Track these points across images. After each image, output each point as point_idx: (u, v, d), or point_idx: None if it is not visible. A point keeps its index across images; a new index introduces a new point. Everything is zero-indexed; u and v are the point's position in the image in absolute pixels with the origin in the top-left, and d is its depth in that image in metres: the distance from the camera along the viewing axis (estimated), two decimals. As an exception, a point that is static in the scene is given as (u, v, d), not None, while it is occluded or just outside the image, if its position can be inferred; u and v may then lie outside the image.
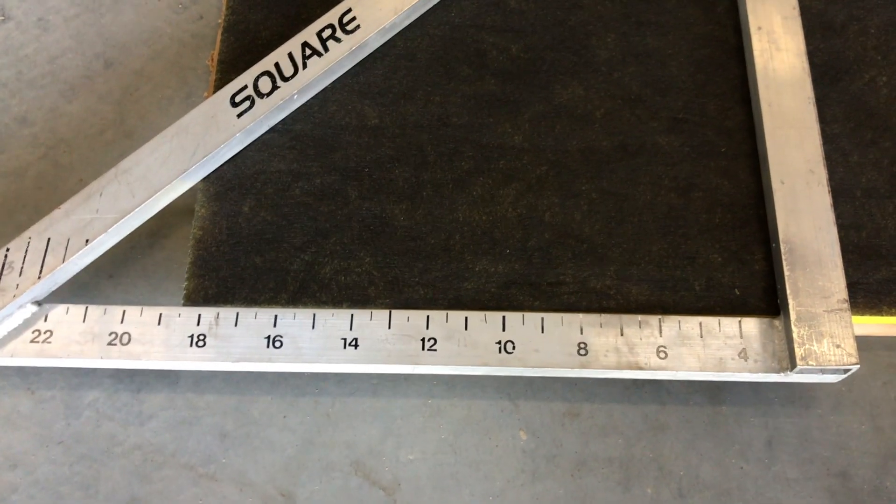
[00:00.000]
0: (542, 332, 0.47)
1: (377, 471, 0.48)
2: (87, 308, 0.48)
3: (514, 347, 0.47)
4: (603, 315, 0.48)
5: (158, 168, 0.50)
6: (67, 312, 0.48)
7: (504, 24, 0.57)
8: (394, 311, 0.48)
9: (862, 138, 0.54)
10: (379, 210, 0.51)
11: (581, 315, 0.48)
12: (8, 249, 0.48)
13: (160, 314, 0.48)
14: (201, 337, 0.47)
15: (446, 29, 0.57)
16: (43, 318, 0.48)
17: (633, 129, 0.54)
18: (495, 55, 0.56)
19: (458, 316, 0.48)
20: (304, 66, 0.53)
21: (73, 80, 0.59)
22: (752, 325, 0.48)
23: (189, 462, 0.48)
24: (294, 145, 0.53)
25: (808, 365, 0.46)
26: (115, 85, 0.59)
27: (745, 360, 0.47)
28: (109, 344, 0.47)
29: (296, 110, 0.54)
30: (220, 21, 0.59)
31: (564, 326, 0.48)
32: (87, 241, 0.48)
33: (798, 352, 0.46)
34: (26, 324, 0.48)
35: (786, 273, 0.48)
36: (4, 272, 0.47)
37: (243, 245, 0.50)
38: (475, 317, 0.48)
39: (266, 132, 0.53)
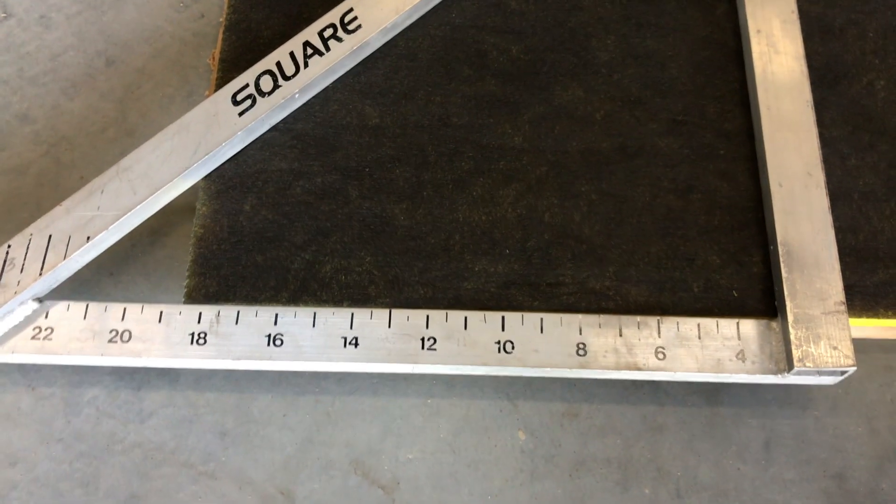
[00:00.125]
0: (542, 332, 0.48)
1: (376, 470, 0.49)
2: (87, 305, 0.48)
3: (513, 347, 0.47)
4: (602, 316, 0.48)
5: (160, 166, 0.50)
6: (68, 309, 0.48)
7: (505, 26, 0.57)
8: (394, 311, 0.48)
9: (860, 142, 0.54)
10: (379, 209, 0.51)
11: (580, 315, 0.48)
12: (9, 246, 0.48)
13: (161, 312, 0.48)
14: (202, 335, 0.47)
15: (447, 29, 0.57)
16: (44, 315, 0.48)
17: (633, 131, 0.54)
18: (496, 56, 0.56)
19: (457, 315, 0.48)
20: (306, 65, 0.53)
21: (75, 78, 0.59)
22: (749, 327, 0.48)
23: (189, 460, 0.49)
24: (295, 144, 0.53)
25: (805, 367, 0.46)
26: (116, 83, 0.59)
27: (743, 362, 0.47)
28: (110, 341, 0.47)
29: (297, 109, 0.54)
30: (221, 20, 0.59)
31: (563, 327, 0.48)
32: (88, 238, 0.48)
33: (795, 353, 0.46)
34: (27, 320, 0.48)
35: (783, 275, 0.48)
36: (6, 269, 0.48)
37: (244, 243, 0.50)
38: (475, 316, 0.48)
39: (267, 131, 0.53)
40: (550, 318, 0.48)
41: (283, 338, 0.47)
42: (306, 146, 0.53)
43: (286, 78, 0.53)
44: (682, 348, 0.47)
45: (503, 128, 0.54)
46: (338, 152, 0.53)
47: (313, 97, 0.54)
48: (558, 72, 0.56)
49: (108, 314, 0.48)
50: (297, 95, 0.53)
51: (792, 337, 0.47)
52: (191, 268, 0.50)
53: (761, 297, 0.49)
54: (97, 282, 0.53)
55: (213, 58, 0.58)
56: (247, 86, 0.52)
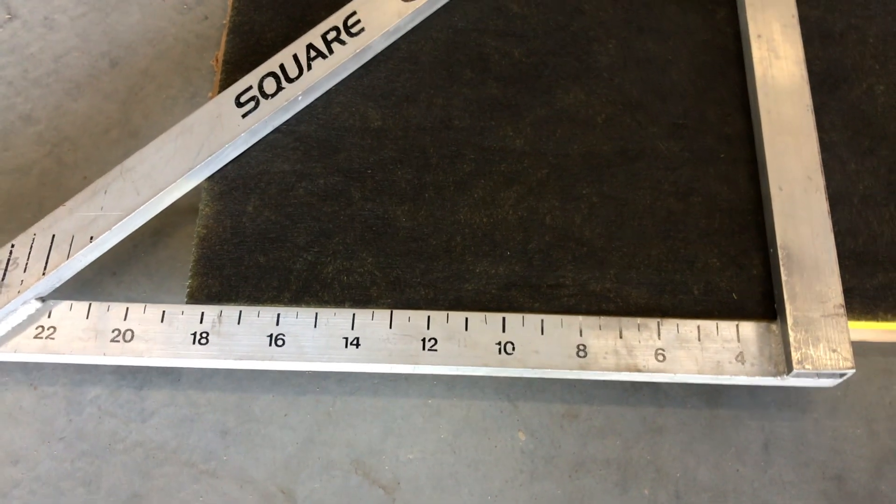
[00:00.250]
0: (542, 333, 0.48)
1: (377, 470, 0.49)
2: (90, 305, 0.48)
3: (513, 348, 0.48)
4: (602, 317, 0.49)
5: (163, 167, 0.50)
6: (71, 309, 0.48)
7: (507, 29, 0.57)
8: (395, 311, 0.48)
9: (859, 146, 0.54)
10: (381, 211, 0.52)
11: (580, 317, 0.49)
12: (13, 246, 0.49)
13: (163, 311, 0.48)
14: (204, 335, 0.48)
15: (449, 33, 0.57)
16: (46, 315, 0.48)
17: (634, 134, 0.54)
18: (498, 59, 0.56)
19: (458, 317, 0.48)
20: (309, 67, 0.53)
21: (79, 79, 0.60)
22: (749, 329, 0.48)
23: (190, 459, 0.49)
24: (298, 146, 0.53)
25: (804, 369, 0.46)
26: (120, 84, 0.60)
27: (743, 364, 0.47)
28: (112, 341, 0.47)
29: (300, 111, 0.54)
30: (224, 22, 0.60)
31: (564, 328, 0.48)
32: (91, 238, 0.49)
33: (795, 356, 0.46)
34: (30, 320, 0.48)
35: (783, 278, 0.48)
36: (9, 268, 0.48)
37: (247, 244, 0.50)
38: (475, 318, 0.48)
39: (270, 133, 0.54)
40: (551, 320, 0.48)
41: (284, 338, 0.48)
42: (309, 148, 0.53)
43: (289, 80, 0.53)
44: (681, 350, 0.48)
45: (505, 130, 0.54)
46: (340, 154, 0.53)
47: (316, 99, 0.55)
48: (560, 75, 0.56)
49: (111, 314, 0.48)
50: (300, 97, 0.53)
51: (791, 339, 0.47)
52: (193, 268, 0.50)
53: (761, 300, 0.50)
54: (100, 281, 0.53)
55: (217, 60, 0.58)
56: (250, 88, 0.53)
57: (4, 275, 0.48)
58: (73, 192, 0.50)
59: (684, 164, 0.53)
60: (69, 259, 0.48)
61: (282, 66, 0.53)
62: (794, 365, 0.46)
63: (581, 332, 0.48)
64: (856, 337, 0.50)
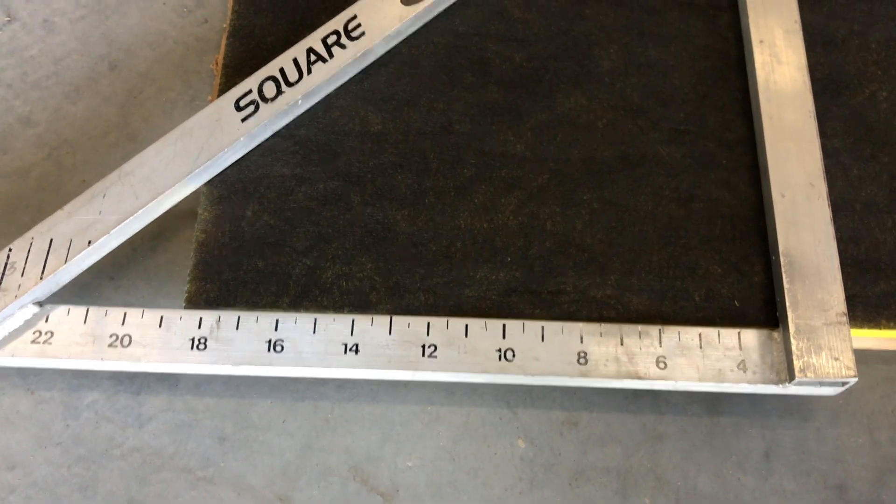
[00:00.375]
0: (543, 340, 0.48)
1: (375, 477, 0.48)
2: (88, 309, 0.48)
3: (514, 355, 0.47)
4: (603, 324, 0.48)
5: (162, 170, 0.50)
6: (68, 313, 0.48)
7: (507, 34, 0.57)
8: (395, 317, 0.48)
9: (862, 153, 0.54)
10: (381, 216, 0.51)
11: (581, 324, 0.48)
12: (10, 250, 0.48)
13: (161, 317, 0.48)
14: (202, 340, 0.47)
15: (450, 37, 0.57)
16: (44, 319, 0.48)
17: (635, 140, 0.54)
18: (498, 64, 0.56)
19: (458, 323, 0.48)
20: (309, 71, 0.53)
21: (78, 82, 0.60)
22: (751, 337, 0.48)
23: (187, 465, 0.49)
24: (298, 150, 0.53)
25: (806, 377, 0.46)
26: (119, 87, 0.60)
27: (744, 372, 0.47)
28: (110, 346, 0.47)
29: (300, 115, 0.54)
30: (225, 25, 0.60)
31: (564, 335, 0.48)
32: (89, 242, 0.48)
33: (796, 364, 0.46)
34: (27, 324, 0.48)
35: (785, 285, 0.48)
36: (6, 272, 0.48)
37: (246, 249, 0.50)
38: (476, 324, 0.48)
39: (270, 137, 0.53)
40: (551, 327, 0.48)
41: (283, 343, 0.47)
42: (309, 152, 0.53)
43: (289, 84, 0.53)
44: (683, 358, 0.47)
45: (505, 135, 0.54)
46: (340, 158, 0.53)
47: (316, 103, 0.54)
48: (561, 80, 0.56)
49: (109, 318, 0.48)
50: (300, 102, 0.53)
51: (793, 347, 0.46)
52: (192, 272, 0.50)
53: (763, 307, 0.49)
54: (98, 286, 0.53)
55: (217, 63, 0.58)
56: (250, 91, 0.52)
57: (1, 279, 0.47)
58: (72, 195, 0.50)
59: (686, 170, 0.53)
60: (67, 263, 0.48)
61: (282, 70, 0.53)
62: (797, 373, 0.46)
63: (582, 338, 0.48)
64: (858, 345, 0.50)
